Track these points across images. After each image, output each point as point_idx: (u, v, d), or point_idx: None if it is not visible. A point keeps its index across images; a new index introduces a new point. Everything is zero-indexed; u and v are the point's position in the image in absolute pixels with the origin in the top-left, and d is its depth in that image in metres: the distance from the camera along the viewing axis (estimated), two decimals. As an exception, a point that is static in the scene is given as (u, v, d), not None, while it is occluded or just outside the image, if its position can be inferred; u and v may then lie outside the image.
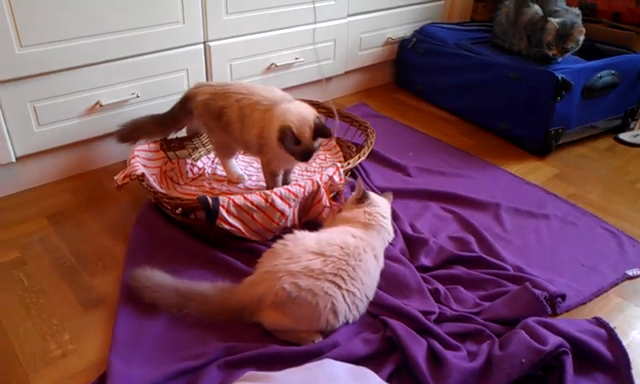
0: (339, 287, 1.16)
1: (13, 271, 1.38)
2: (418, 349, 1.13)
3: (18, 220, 1.57)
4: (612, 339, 1.18)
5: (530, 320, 1.19)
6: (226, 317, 1.20)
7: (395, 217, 1.58)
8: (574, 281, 1.40)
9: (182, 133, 1.80)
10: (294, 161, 1.54)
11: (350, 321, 1.21)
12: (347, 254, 1.20)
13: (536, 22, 2.11)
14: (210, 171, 1.80)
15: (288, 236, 1.25)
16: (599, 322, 1.23)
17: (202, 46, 1.88)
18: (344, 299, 1.17)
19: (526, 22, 2.16)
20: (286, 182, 1.65)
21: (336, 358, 1.06)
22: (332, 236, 1.25)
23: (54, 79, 1.60)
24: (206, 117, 1.62)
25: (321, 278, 1.15)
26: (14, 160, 1.62)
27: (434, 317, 1.23)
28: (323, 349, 1.13)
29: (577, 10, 2.11)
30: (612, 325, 1.21)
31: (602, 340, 1.18)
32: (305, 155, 1.47)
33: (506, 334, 1.17)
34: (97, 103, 1.71)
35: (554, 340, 1.11)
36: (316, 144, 1.48)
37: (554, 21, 1.99)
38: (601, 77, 2.05)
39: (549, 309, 1.25)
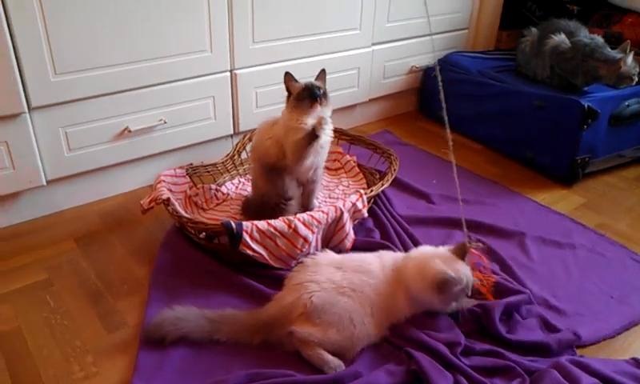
0: (353, 300, 1.19)
1: (39, 292, 1.40)
2: None
3: (47, 242, 1.61)
4: None
5: (564, 359, 1.15)
6: (258, 337, 1.20)
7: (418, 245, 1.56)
8: (602, 313, 1.37)
9: (208, 159, 1.82)
10: (310, 148, 1.50)
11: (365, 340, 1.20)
12: (360, 271, 1.24)
13: (562, 52, 2.09)
14: (234, 196, 1.82)
15: (318, 252, 1.33)
16: (638, 362, 1.18)
17: (228, 73, 1.92)
18: (357, 312, 1.19)
19: (550, 51, 2.15)
20: (308, 208, 1.65)
21: (357, 388, 1.05)
22: (360, 253, 1.33)
23: (86, 105, 1.65)
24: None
25: (339, 290, 1.20)
26: (44, 183, 1.66)
27: (460, 349, 1.19)
28: (344, 378, 1.11)
29: (601, 40, 2.09)
30: None
31: None
32: (311, 89, 1.50)
33: (538, 373, 1.13)
34: (125, 129, 1.75)
35: (587, 381, 1.07)
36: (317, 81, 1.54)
37: (627, 58, 1.97)
38: (628, 105, 2.02)
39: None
